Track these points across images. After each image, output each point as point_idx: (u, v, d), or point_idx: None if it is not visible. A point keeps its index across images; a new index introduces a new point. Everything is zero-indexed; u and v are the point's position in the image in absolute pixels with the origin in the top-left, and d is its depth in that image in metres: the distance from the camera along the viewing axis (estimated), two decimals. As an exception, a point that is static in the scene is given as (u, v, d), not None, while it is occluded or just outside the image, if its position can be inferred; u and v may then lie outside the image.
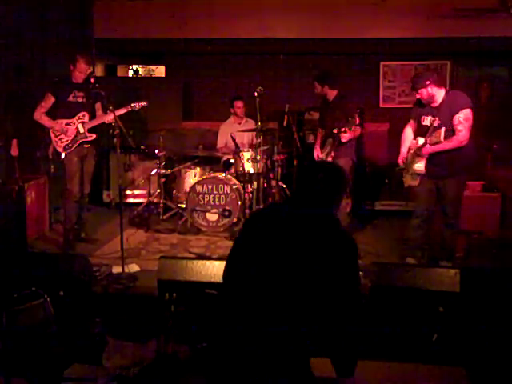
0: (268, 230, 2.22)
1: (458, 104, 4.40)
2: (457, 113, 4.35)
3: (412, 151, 4.62)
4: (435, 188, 4.63)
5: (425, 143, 4.48)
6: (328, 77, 5.75)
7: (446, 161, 4.47)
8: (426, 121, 4.56)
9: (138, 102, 5.40)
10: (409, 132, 4.78)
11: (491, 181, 5.70)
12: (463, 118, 4.35)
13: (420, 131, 4.62)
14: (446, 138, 4.41)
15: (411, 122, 4.80)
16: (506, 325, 3.52)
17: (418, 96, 4.56)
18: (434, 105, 4.53)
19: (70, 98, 5.27)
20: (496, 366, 3.30)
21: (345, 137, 5.34)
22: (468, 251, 5.01)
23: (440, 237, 4.79)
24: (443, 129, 4.37)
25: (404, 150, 4.75)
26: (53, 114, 5.30)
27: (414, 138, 4.70)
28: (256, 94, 4.94)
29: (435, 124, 4.44)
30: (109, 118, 5.16)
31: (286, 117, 6.56)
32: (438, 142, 4.40)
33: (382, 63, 7.67)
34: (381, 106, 7.69)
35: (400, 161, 4.75)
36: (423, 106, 4.61)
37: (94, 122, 5.35)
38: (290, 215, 2.22)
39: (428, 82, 4.45)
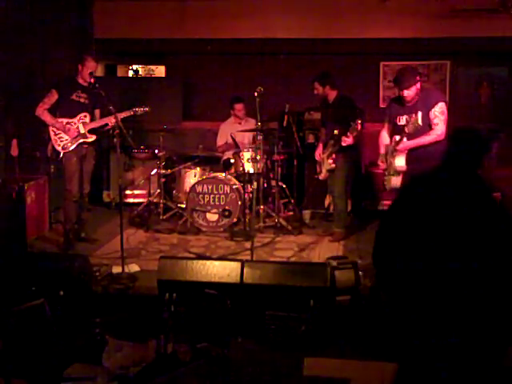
0: (429, 192, 2.57)
1: (433, 99, 4.45)
2: (432, 107, 4.39)
3: (390, 150, 4.62)
4: None
5: (401, 139, 4.44)
6: (329, 77, 5.75)
7: (423, 156, 4.43)
8: (402, 120, 4.57)
9: (140, 107, 5.41)
10: (385, 135, 4.82)
11: (491, 181, 5.70)
12: (439, 112, 4.40)
13: (396, 131, 4.65)
14: (423, 131, 4.42)
15: (386, 123, 4.83)
16: (505, 325, 3.52)
17: (406, 93, 4.49)
18: (409, 104, 4.55)
19: (73, 97, 5.29)
20: (496, 366, 3.29)
21: (346, 141, 5.35)
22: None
23: None
24: (420, 113, 4.34)
25: (382, 151, 4.77)
26: (54, 112, 5.31)
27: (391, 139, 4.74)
28: (256, 93, 4.93)
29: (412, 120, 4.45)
30: (111, 120, 5.18)
31: (285, 117, 6.56)
32: (418, 126, 4.31)
33: (381, 63, 7.66)
34: (381, 106, 7.67)
35: (379, 162, 4.77)
36: (399, 105, 4.63)
37: (96, 124, 5.36)
38: (446, 178, 2.60)
39: (418, 78, 4.47)
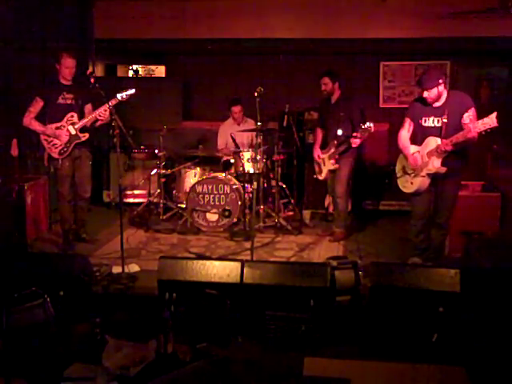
0: None
1: (465, 103, 4.41)
2: (466, 111, 4.35)
3: (427, 152, 4.48)
4: (434, 188, 4.62)
5: (450, 142, 4.30)
6: (338, 74, 5.73)
7: (452, 160, 4.43)
8: (429, 121, 4.51)
9: (125, 91, 5.16)
10: (406, 135, 4.68)
11: (491, 181, 5.70)
12: (473, 117, 4.33)
13: (422, 132, 4.56)
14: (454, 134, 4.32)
15: (408, 122, 4.67)
16: (506, 325, 3.52)
17: (426, 94, 4.44)
18: (436, 104, 4.48)
19: (60, 101, 5.19)
20: (496, 365, 3.29)
21: (356, 143, 5.34)
22: (468, 251, 5.01)
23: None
24: (494, 113, 4.11)
25: (410, 152, 4.61)
26: (42, 118, 5.20)
27: (413, 139, 4.66)
28: (256, 93, 4.93)
29: (445, 121, 4.38)
30: (101, 113, 5.09)
31: (285, 117, 6.56)
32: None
33: (381, 63, 7.67)
34: (381, 106, 7.69)
35: (413, 163, 4.57)
36: (423, 105, 4.54)
37: (85, 121, 5.23)
38: None
39: (441, 81, 4.40)
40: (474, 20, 6.88)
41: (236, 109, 6.65)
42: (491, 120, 4.06)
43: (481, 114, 4.27)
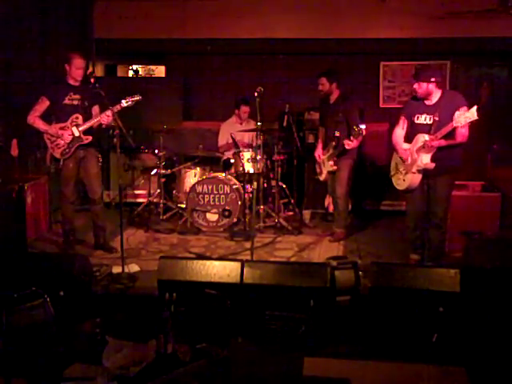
0: None
1: (457, 102, 4.47)
2: (457, 110, 4.37)
3: (415, 148, 4.54)
4: (426, 186, 4.66)
5: (435, 137, 4.39)
6: (337, 74, 5.73)
7: (443, 157, 4.48)
8: (421, 119, 4.58)
9: (130, 97, 5.09)
10: (400, 133, 4.75)
11: (491, 181, 5.70)
12: None
13: (414, 129, 4.63)
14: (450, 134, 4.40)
15: (403, 119, 4.74)
16: (506, 325, 3.52)
17: (415, 86, 4.55)
18: (429, 103, 4.57)
19: (66, 101, 5.14)
20: (496, 365, 3.29)
21: (349, 144, 5.34)
22: (468, 251, 5.00)
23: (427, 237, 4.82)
24: (475, 107, 4.24)
25: (402, 149, 4.69)
26: (46, 117, 5.16)
27: (407, 137, 4.69)
28: (256, 93, 4.93)
29: (437, 119, 4.44)
30: (104, 118, 5.05)
31: (285, 117, 6.56)
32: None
33: (381, 63, 7.66)
34: (381, 105, 7.68)
35: (405, 158, 4.64)
36: (418, 103, 4.62)
37: (89, 124, 5.16)
38: None
39: (433, 79, 4.49)
40: (474, 20, 6.88)
41: (245, 108, 6.63)
42: (471, 114, 4.19)
43: (481, 114, 4.27)
